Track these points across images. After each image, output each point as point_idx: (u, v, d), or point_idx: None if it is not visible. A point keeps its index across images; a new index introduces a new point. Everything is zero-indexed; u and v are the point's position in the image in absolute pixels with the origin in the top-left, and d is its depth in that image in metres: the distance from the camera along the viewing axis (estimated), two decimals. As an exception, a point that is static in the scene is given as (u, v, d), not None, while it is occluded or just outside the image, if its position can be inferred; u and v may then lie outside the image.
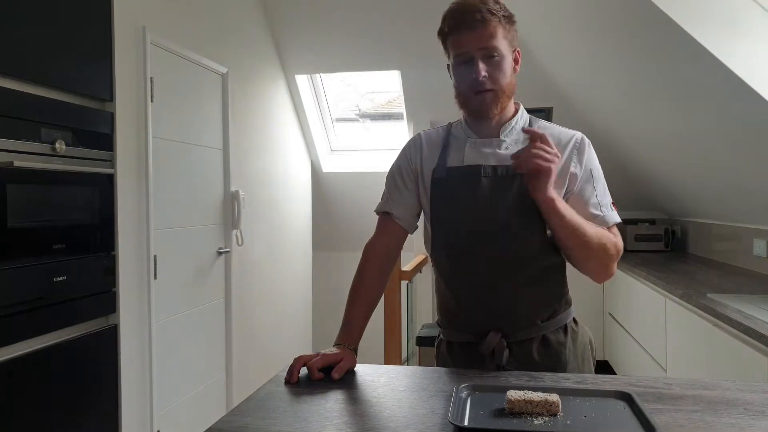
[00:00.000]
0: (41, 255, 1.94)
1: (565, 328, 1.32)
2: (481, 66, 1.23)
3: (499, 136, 1.31)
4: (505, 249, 1.26)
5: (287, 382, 1.14)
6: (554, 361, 1.29)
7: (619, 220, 1.30)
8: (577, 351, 1.33)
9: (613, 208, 1.30)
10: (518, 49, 1.30)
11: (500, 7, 1.24)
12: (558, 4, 2.98)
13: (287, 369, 1.17)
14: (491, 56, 1.23)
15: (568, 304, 1.36)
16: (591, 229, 1.21)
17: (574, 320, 1.36)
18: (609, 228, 1.27)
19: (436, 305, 1.44)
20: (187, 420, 2.75)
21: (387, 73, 4.35)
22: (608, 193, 1.32)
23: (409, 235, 1.43)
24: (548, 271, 1.31)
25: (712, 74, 2.15)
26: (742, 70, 2.02)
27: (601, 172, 1.32)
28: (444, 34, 1.29)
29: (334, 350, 1.23)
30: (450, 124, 1.41)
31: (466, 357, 1.32)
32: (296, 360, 1.19)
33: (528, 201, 1.23)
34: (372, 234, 1.43)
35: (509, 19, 1.26)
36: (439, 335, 1.44)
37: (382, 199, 1.43)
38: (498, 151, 1.30)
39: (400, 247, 1.43)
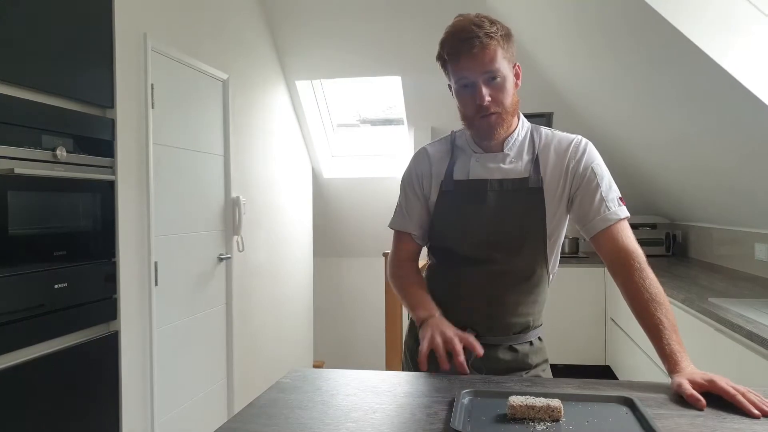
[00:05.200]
0: (42, 262, 1.94)
1: (530, 343, 1.37)
2: (485, 91, 1.23)
3: (502, 150, 1.33)
4: (506, 261, 1.30)
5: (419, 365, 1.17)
6: (520, 362, 1.34)
7: (627, 214, 1.29)
8: (539, 358, 1.38)
9: (621, 203, 1.30)
10: (518, 63, 1.31)
11: (497, 28, 1.24)
12: (557, 10, 2.99)
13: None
14: (493, 79, 1.24)
15: (540, 323, 1.39)
16: (668, 314, 1.17)
17: (539, 338, 1.40)
18: (618, 221, 1.27)
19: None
20: (189, 427, 2.74)
21: (387, 78, 4.36)
22: (615, 188, 1.31)
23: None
24: (535, 291, 1.35)
25: (710, 77, 2.15)
26: (739, 72, 2.03)
27: (604, 169, 1.32)
28: (443, 60, 1.29)
29: (451, 329, 1.22)
30: (453, 134, 1.43)
31: None
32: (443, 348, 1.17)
33: (531, 214, 1.29)
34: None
35: (507, 37, 1.26)
36: None
37: (397, 214, 1.45)
38: (502, 165, 1.32)
39: (418, 257, 1.48)
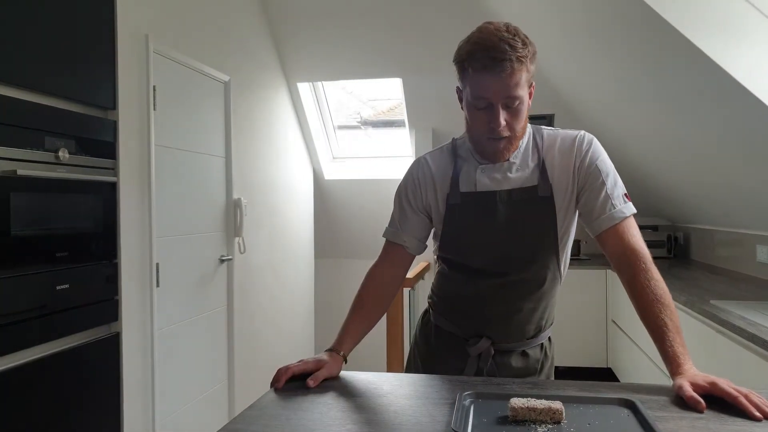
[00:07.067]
0: (44, 263, 1.94)
1: (541, 345, 1.38)
2: (502, 115, 1.19)
3: (508, 160, 1.29)
4: (520, 271, 1.30)
5: (273, 386, 1.16)
6: (531, 368, 1.36)
7: (633, 211, 1.27)
8: (548, 362, 1.40)
9: (627, 200, 1.27)
10: (534, 83, 1.25)
11: (528, 50, 1.17)
12: (560, 12, 2.99)
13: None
14: (512, 103, 1.19)
15: (552, 323, 1.41)
16: (672, 316, 1.15)
17: (549, 339, 1.41)
18: (624, 219, 1.25)
19: (435, 289, 1.45)
20: (190, 428, 2.74)
21: (388, 80, 4.36)
22: (620, 184, 1.29)
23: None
24: (549, 294, 1.35)
25: (712, 80, 2.15)
26: (742, 75, 2.03)
27: (608, 164, 1.29)
28: (464, 69, 1.20)
29: (322, 356, 1.24)
30: (454, 141, 1.39)
31: (451, 347, 1.38)
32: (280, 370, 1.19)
33: (543, 224, 1.28)
34: (375, 251, 1.43)
35: (534, 57, 1.19)
36: (428, 312, 1.47)
37: (390, 225, 1.42)
38: (509, 175, 1.29)
39: (406, 272, 1.43)
